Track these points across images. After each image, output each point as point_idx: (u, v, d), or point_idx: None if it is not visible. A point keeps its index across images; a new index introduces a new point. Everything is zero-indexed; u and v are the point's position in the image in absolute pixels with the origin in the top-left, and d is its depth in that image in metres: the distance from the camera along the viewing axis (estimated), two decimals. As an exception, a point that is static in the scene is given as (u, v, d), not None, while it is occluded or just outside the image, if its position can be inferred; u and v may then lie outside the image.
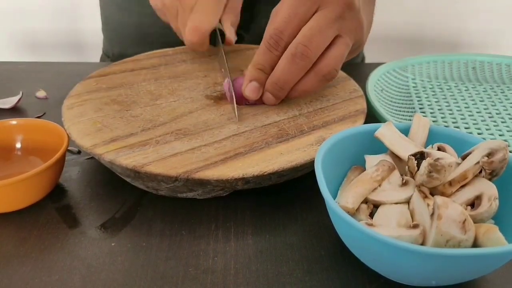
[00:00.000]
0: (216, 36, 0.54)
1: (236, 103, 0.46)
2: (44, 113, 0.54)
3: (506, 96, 0.57)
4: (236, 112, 0.45)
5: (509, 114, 0.53)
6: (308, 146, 0.40)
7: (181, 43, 0.66)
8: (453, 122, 0.51)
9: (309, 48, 0.41)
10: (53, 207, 0.40)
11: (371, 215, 0.33)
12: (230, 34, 0.53)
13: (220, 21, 0.53)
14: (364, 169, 0.36)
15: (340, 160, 0.37)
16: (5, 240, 0.36)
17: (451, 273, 0.28)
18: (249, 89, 0.45)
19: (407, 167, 0.34)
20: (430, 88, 0.59)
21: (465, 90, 0.59)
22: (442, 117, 0.52)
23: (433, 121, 0.52)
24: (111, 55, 0.78)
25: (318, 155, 0.34)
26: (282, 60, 0.43)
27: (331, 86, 0.51)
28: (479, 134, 0.49)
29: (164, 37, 0.72)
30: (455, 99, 0.57)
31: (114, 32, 0.76)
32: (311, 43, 0.41)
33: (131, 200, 0.40)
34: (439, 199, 0.29)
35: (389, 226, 0.31)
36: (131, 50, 0.73)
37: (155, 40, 0.72)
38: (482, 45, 1.33)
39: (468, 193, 0.32)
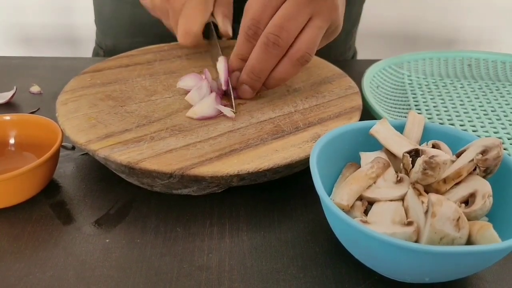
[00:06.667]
0: (210, 30, 0.54)
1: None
2: (38, 109, 0.54)
3: (501, 93, 0.57)
4: (233, 102, 0.45)
5: (503, 112, 0.53)
6: (304, 143, 0.40)
7: (174, 35, 0.66)
8: (448, 120, 0.51)
9: (279, 37, 0.42)
10: (47, 203, 0.39)
11: (366, 212, 0.33)
12: (224, 26, 0.53)
13: (213, 15, 0.53)
14: (359, 166, 0.37)
15: (335, 157, 0.37)
16: (-2, 236, 0.36)
17: (445, 270, 0.29)
18: (233, 79, 0.47)
19: (401, 164, 0.34)
20: (425, 85, 0.59)
21: (461, 87, 0.59)
22: (437, 114, 0.52)
23: (428, 118, 0.52)
24: (104, 46, 0.77)
25: (313, 152, 0.34)
26: (255, 49, 0.43)
27: (326, 82, 0.51)
28: (474, 131, 0.49)
29: (158, 27, 0.71)
30: (451, 96, 0.57)
31: (107, 23, 0.75)
32: (282, 32, 0.42)
33: (125, 196, 0.40)
34: (433, 196, 0.29)
35: (384, 223, 0.31)
36: (124, 41, 0.72)
37: (148, 31, 0.72)
38: (477, 42, 1.34)
39: (462, 191, 0.32)
